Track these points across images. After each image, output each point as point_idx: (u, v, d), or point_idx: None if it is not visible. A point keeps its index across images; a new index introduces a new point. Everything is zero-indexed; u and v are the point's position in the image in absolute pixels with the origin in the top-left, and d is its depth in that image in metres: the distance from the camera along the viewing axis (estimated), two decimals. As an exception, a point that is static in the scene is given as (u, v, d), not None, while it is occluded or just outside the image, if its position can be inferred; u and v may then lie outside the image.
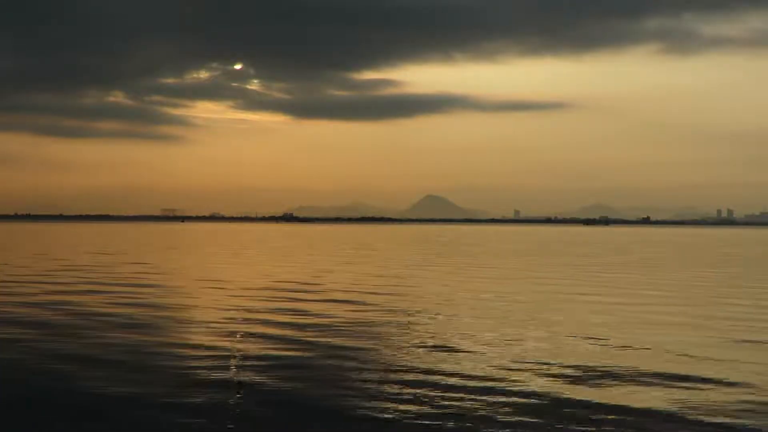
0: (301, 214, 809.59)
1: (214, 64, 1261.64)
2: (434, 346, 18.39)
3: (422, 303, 27.80)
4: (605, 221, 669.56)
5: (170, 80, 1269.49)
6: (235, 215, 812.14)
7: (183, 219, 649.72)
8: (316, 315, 24.41)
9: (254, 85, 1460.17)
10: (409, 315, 24.36)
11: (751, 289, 35.53)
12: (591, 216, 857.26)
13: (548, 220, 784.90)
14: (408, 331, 21.00)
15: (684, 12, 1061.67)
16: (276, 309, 26.00)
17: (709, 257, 69.13)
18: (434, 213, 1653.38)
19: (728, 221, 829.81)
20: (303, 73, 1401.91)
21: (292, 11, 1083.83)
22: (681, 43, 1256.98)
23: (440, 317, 23.92)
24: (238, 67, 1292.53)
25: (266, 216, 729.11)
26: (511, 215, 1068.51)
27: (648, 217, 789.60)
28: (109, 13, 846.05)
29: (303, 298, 29.71)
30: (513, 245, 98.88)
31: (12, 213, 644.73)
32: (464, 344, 18.71)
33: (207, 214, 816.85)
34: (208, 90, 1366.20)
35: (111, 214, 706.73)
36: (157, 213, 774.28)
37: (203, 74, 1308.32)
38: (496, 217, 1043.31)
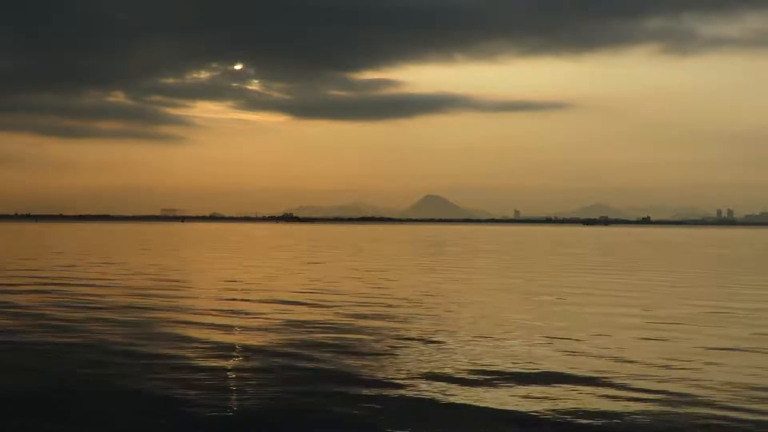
0: (301, 214, 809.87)
1: (214, 65, 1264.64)
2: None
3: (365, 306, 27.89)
4: (605, 221, 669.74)
5: (170, 80, 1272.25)
6: (235, 215, 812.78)
7: (183, 219, 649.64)
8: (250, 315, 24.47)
9: (254, 85, 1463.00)
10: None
11: (707, 290, 35.59)
12: (591, 216, 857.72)
13: (548, 220, 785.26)
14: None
15: (684, 12, 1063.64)
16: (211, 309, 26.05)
17: (689, 258, 69.13)
18: (434, 213, 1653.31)
19: (728, 221, 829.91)
20: (303, 73, 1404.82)
21: (292, 11, 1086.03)
22: (681, 43, 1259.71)
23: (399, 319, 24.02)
24: (238, 67, 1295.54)
25: (266, 216, 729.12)
26: (511, 215, 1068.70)
27: (648, 217, 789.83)
28: (109, 13, 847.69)
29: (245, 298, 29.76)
30: (499, 246, 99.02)
31: (12, 213, 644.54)
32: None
33: (207, 214, 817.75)
34: (208, 90, 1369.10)
35: (111, 214, 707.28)
36: (157, 213, 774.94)
37: (203, 74, 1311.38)
38: (496, 217, 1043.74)
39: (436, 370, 15.69)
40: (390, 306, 26.94)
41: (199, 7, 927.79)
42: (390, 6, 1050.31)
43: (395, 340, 19.47)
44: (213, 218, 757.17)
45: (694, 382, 14.73)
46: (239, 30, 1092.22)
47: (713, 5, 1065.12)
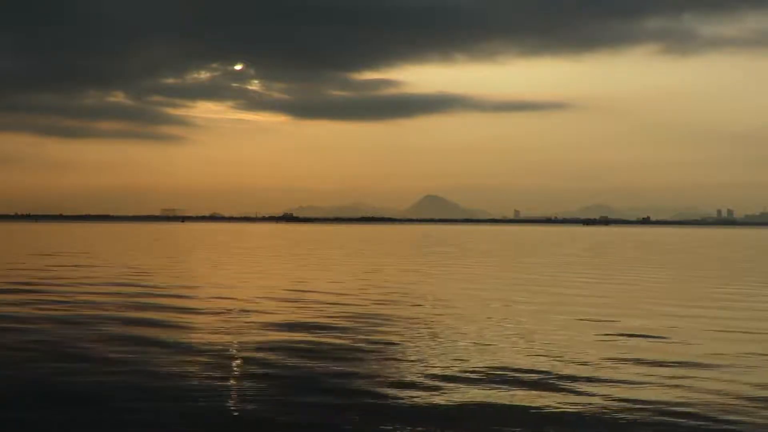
0: (301, 214, 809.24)
1: (215, 65, 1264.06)
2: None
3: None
4: (605, 221, 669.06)
5: (170, 80, 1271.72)
6: (235, 215, 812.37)
7: (183, 219, 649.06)
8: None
9: (254, 85, 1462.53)
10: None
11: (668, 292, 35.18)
12: (591, 216, 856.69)
13: (548, 220, 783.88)
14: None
15: (684, 12, 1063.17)
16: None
17: (674, 258, 68.79)
18: (434, 213, 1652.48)
19: (728, 221, 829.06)
20: (303, 73, 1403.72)
21: (292, 11, 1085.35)
22: (681, 43, 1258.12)
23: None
24: (238, 67, 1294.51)
25: (266, 216, 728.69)
26: (511, 215, 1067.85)
27: (648, 217, 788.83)
28: (109, 13, 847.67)
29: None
30: (489, 245, 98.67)
31: (12, 213, 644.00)
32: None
33: (207, 214, 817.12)
34: (208, 90, 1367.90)
35: (111, 214, 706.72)
36: (157, 213, 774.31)
37: (203, 74, 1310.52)
38: (496, 217, 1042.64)
39: (406, 375, 15.30)
40: (353, 310, 26.59)
41: (199, 7, 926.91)
42: (390, 6, 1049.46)
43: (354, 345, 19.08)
44: (213, 218, 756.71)
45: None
46: (239, 30, 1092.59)
47: (713, 5, 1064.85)
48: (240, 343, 19.34)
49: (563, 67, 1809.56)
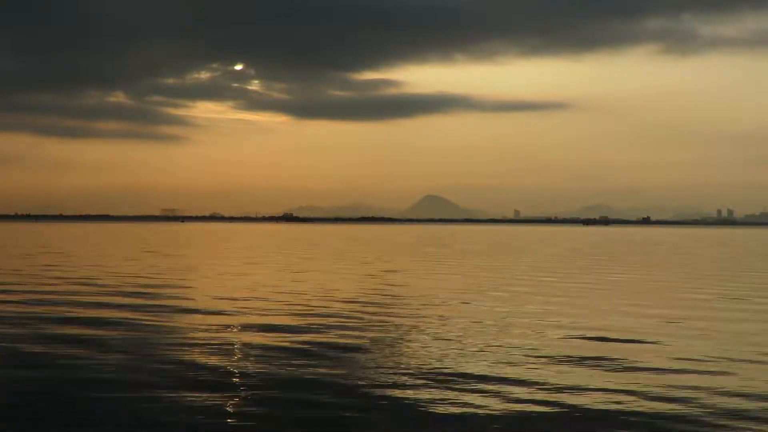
0: (301, 214, 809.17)
1: (215, 65, 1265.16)
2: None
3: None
4: (605, 221, 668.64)
5: (171, 80, 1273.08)
6: (235, 215, 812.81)
7: (183, 219, 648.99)
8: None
9: (254, 85, 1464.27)
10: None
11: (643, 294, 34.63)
12: (591, 216, 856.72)
13: (548, 220, 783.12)
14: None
15: (683, 12, 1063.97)
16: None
17: (667, 259, 68.30)
18: (434, 213, 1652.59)
19: (728, 221, 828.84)
20: (303, 73, 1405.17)
21: (292, 11, 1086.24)
22: (681, 43, 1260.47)
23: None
24: (238, 67, 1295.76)
25: (266, 216, 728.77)
26: (511, 215, 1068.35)
27: (648, 217, 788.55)
28: (109, 13, 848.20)
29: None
30: (478, 246, 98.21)
31: (12, 213, 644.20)
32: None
33: (207, 214, 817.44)
34: (208, 90, 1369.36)
35: (111, 214, 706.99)
36: (157, 213, 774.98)
37: (204, 74, 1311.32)
38: (496, 217, 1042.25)
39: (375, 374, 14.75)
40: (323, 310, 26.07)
41: (199, 7, 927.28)
42: (390, 6, 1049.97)
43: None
44: (213, 218, 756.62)
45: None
46: (239, 30, 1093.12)
47: (713, 5, 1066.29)
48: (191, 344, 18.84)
49: (563, 67, 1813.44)
